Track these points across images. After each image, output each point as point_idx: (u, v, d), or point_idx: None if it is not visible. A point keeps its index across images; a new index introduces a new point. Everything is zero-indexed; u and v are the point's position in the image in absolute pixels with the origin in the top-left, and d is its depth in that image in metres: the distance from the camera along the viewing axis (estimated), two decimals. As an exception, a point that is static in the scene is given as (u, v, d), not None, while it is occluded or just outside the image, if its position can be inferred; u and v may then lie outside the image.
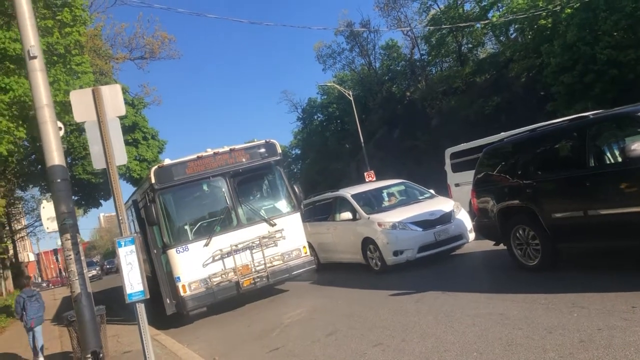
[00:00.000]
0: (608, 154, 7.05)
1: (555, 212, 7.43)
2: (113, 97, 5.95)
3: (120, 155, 5.83)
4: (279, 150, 11.83)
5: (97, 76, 25.50)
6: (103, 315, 8.91)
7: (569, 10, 26.71)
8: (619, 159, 6.70)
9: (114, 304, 15.87)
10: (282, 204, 11.77)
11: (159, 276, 11.20)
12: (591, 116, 7.59)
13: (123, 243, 5.54)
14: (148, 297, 5.59)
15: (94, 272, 45.82)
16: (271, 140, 11.74)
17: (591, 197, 6.89)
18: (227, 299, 10.80)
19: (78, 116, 5.80)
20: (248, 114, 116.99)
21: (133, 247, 5.53)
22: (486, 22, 38.92)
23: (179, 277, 10.45)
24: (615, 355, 4.50)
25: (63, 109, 15.39)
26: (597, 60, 23.78)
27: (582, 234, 7.18)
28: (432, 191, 12.92)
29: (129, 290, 5.45)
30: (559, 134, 7.95)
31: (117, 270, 39.67)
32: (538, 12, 29.53)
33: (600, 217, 6.74)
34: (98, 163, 5.77)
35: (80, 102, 5.82)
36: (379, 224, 11.12)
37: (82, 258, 6.31)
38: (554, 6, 28.56)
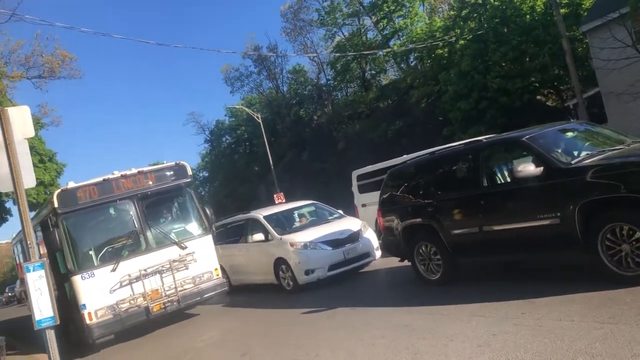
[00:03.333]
0: (499, 175, 7.76)
1: (454, 229, 7.99)
2: (21, 119, 5.78)
3: (29, 178, 5.66)
4: (190, 172, 11.76)
5: (-11, 95, 23.98)
6: (3, 347, 8.41)
7: (463, 42, 28.77)
8: (508, 179, 7.41)
9: (10, 336, 14.85)
10: (193, 227, 11.67)
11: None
12: (484, 140, 8.31)
13: (32, 268, 5.36)
14: (58, 322, 5.43)
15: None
16: (181, 162, 11.66)
17: (485, 215, 7.51)
18: (136, 325, 10.50)
19: (-18, 138, 5.59)
20: (154, 136, 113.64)
21: (42, 272, 5.36)
22: (388, 50, 40.92)
23: (84, 305, 10.04)
24: (508, 356, 4.97)
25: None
26: (488, 88, 25.73)
27: (479, 249, 7.77)
28: (340, 211, 13.34)
29: (38, 316, 5.27)
30: (456, 156, 8.60)
31: (17, 299, 36.74)
32: (435, 42, 31.48)
33: (493, 232, 7.36)
34: (4, 186, 5.57)
35: (-15, 124, 5.61)
36: (291, 244, 11.34)
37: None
38: (449, 37, 30.59)
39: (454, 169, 8.48)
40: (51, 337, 5.49)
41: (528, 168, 6.63)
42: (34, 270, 5.34)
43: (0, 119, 5.50)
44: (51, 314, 5.32)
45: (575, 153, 7.05)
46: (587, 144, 7.54)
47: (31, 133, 5.78)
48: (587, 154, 6.84)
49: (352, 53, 41.42)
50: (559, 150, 7.11)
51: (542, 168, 6.60)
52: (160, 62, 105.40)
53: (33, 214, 17.40)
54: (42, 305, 5.29)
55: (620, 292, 5.80)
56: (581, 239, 6.26)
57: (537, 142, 7.05)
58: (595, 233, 6.14)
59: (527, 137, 7.20)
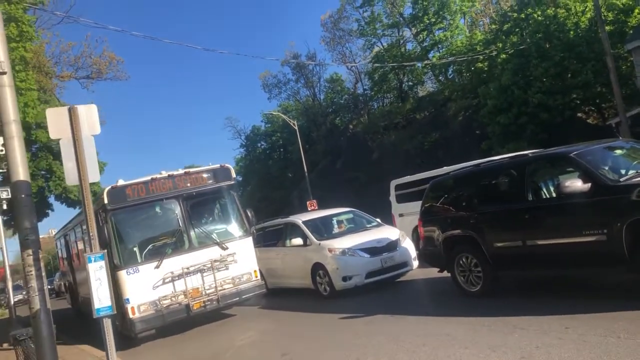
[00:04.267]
0: (544, 190, 7.77)
1: (496, 242, 8.02)
2: (89, 116, 6.11)
3: (94, 172, 5.97)
4: (234, 175, 12.07)
5: (39, 94, 24.90)
6: (54, 335, 8.74)
7: (504, 56, 28.60)
8: (554, 194, 7.43)
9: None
10: (235, 228, 11.94)
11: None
12: (530, 155, 8.33)
13: (93, 259, 5.65)
14: (115, 312, 5.69)
15: (20, 297, 43.43)
16: (226, 164, 11.97)
17: (529, 229, 7.53)
18: (176, 322, 10.77)
19: (53, 133, 5.94)
20: (190, 139, 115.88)
21: (103, 262, 5.65)
22: (427, 62, 40.84)
23: (128, 299, 10.37)
24: (553, 368, 5.03)
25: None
26: (529, 103, 25.50)
27: (521, 262, 7.79)
28: (378, 220, 13.43)
29: (97, 305, 5.54)
30: (501, 169, 8.64)
31: (56, 292, 37.71)
32: (476, 55, 31.37)
33: (537, 247, 7.39)
34: (72, 179, 5.89)
35: (56, 120, 5.96)
36: (330, 250, 11.48)
37: (43, 274, 6.34)
38: (490, 51, 30.44)
39: (498, 182, 8.52)
40: (108, 325, 5.76)
41: (575, 184, 6.66)
42: (95, 261, 5.62)
43: (71, 116, 5.84)
44: (109, 303, 5.59)
45: (623, 171, 7.04)
46: (635, 162, 7.52)
47: (97, 130, 6.11)
48: (636, 172, 6.82)
49: (391, 64, 41.48)
50: (607, 168, 7.12)
51: (589, 184, 6.62)
52: (199, 67, 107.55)
53: (78, 210, 17.97)
54: (101, 295, 5.57)
55: (667, 312, 5.77)
56: (628, 257, 6.24)
57: (585, 159, 7.07)
58: (643, 251, 6.12)
59: (575, 152, 7.22)
